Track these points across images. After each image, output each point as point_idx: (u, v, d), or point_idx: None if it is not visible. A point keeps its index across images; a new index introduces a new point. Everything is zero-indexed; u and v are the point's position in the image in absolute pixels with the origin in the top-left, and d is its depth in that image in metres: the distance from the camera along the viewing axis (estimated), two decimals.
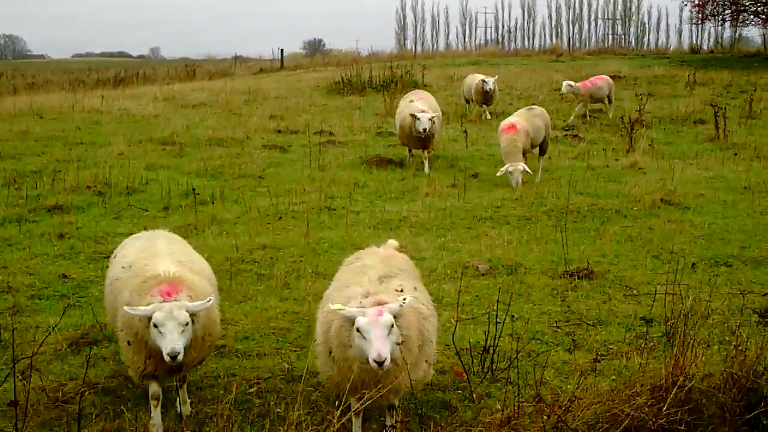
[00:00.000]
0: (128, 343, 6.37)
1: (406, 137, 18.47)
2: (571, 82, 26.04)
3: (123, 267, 6.86)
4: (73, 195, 14.85)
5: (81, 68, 56.21)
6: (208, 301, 6.28)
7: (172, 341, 5.95)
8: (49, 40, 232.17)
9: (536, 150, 17.32)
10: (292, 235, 12.55)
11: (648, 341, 8.20)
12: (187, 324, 6.08)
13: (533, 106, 18.35)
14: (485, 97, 26.10)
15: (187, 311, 6.10)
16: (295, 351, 8.35)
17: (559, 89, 32.20)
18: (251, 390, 7.41)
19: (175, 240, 7.52)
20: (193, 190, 14.42)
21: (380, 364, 5.51)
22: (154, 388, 6.55)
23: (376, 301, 5.86)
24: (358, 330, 5.65)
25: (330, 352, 6.08)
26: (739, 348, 6.73)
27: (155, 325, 6.00)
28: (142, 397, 7.21)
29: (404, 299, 5.88)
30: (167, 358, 5.94)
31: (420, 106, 18.36)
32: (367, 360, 5.59)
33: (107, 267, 7.61)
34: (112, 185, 15.52)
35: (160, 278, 6.39)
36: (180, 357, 5.94)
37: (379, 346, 5.53)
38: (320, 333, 6.30)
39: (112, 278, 6.99)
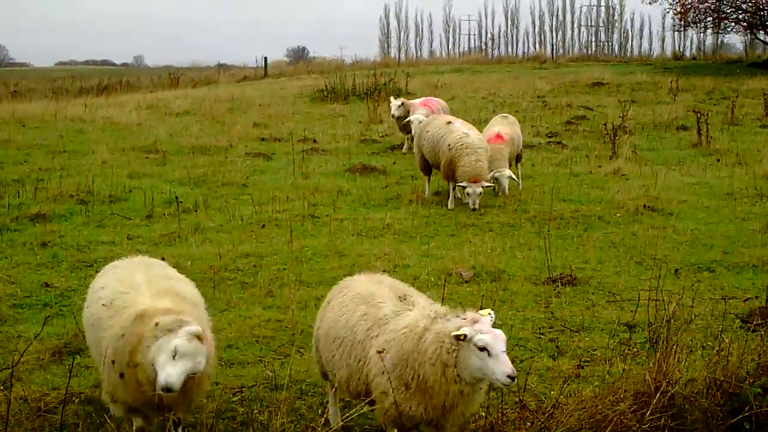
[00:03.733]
0: (120, 375, 6.04)
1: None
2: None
3: (104, 304, 6.44)
4: (56, 204, 14.78)
5: (64, 76, 55.97)
6: (196, 328, 5.81)
7: (165, 374, 5.52)
8: (31, 48, 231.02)
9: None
10: (275, 243, 12.53)
11: (631, 347, 8.21)
12: (175, 354, 5.64)
13: (507, 115, 18.43)
14: (400, 125, 21.37)
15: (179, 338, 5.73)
16: (278, 359, 8.32)
17: (543, 96, 32.42)
18: (234, 398, 7.38)
19: (154, 265, 7.11)
20: (177, 198, 14.40)
21: (513, 379, 5.28)
22: (139, 422, 6.36)
23: (474, 318, 5.48)
24: (482, 349, 5.27)
25: (415, 377, 5.56)
26: (722, 353, 6.75)
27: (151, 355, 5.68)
28: None
29: (490, 313, 5.61)
30: (159, 391, 5.56)
31: (463, 129, 15.24)
32: (481, 379, 5.39)
33: (87, 296, 7.01)
34: (95, 194, 15.46)
35: (149, 311, 6.02)
36: (175, 390, 5.52)
37: (509, 362, 5.26)
38: (395, 357, 5.67)
39: (94, 316, 6.53)
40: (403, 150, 21.45)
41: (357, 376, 5.98)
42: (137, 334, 5.89)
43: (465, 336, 5.32)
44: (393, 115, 21.12)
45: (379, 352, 5.76)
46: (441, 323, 5.55)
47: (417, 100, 21.87)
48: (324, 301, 6.77)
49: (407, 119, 19.54)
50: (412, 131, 18.80)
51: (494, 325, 5.50)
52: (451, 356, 5.39)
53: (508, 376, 5.20)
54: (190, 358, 5.60)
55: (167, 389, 5.49)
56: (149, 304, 6.15)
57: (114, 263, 7.15)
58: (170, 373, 5.52)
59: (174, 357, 5.56)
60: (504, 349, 5.28)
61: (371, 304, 6.12)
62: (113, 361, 6.05)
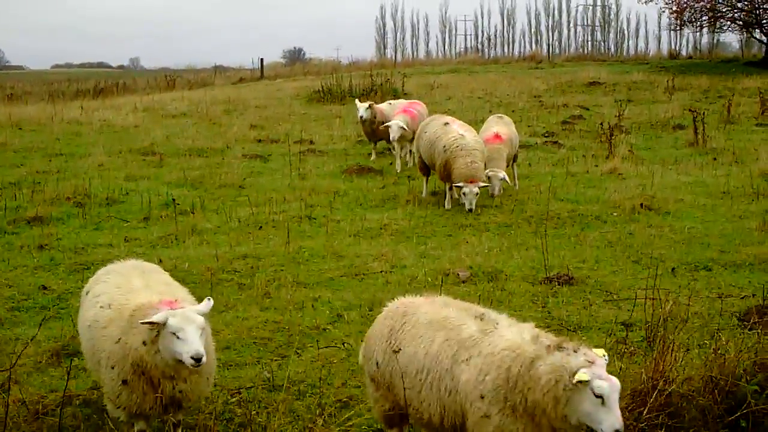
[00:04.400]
0: (123, 382, 6.00)
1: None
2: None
3: (101, 306, 6.41)
4: (53, 206, 14.78)
5: (60, 79, 55.96)
6: (209, 299, 6.11)
7: (194, 343, 5.68)
8: (27, 51, 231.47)
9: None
10: (272, 244, 12.53)
11: (628, 346, 8.21)
12: (203, 329, 5.84)
13: (502, 115, 18.43)
14: (367, 130, 20.82)
15: (198, 314, 5.89)
16: (276, 360, 8.32)
17: (539, 96, 32.44)
18: (233, 400, 7.38)
19: (149, 272, 7.04)
20: (174, 200, 14.40)
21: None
22: (141, 425, 6.33)
23: (589, 357, 5.08)
24: (598, 396, 4.90)
25: (523, 401, 5.17)
26: (719, 351, 6.76)
27: (173, 333, 5.72)
28: None
29: (604, 355, 5.20)
30: (190, 362, 5.65)
31: (459, 130, 15.18)
32: (586, 425, 5.02)
33: (81, 305, 7.01)
34: (92, 196, 15.46)
35: (141, 308, 6.09)
36: (204, 359, 5.68)
37: (620, 415, 4.91)
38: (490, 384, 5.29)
39: (90, 320, 6.47)
40: (372, 158, 20.75)
41: (452, 407, 5.52)
42: (135, 337, 5.93)
43: (585, 381, 4.96)
44: (361, 117, 20.22)
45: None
46: (558, 356, 5.12)
47: (385, 104, 21.49)
48: (375, 335, 6.13)
49: (386, 124, 19.02)
50: (392, 137, 18.58)
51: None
52: (565, 394, 5.01)
53: (616, 431, 4.87)
54: (196, 327, 5.77)
55: (199, 358, 5.63)
56: (143, 301, 6.19)
57: (107, 268, 7.09)
58: (193, 341, 5.69)
59: (179, 337, 5.71)
60: (617, 400, 4.94)
61: (450, 327, 5.67)
62: (112, 367, 6.04)
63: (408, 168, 18.84)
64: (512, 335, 5.43)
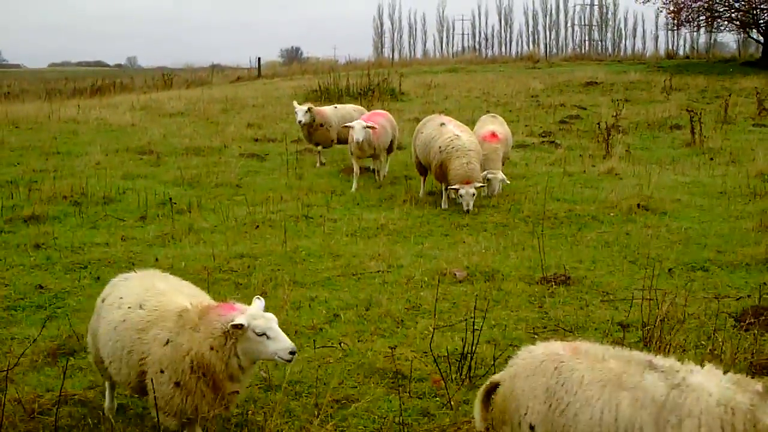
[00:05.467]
0: (176, 384, 5.90)
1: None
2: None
3: (130, 307, 6.29)
4: (50, 205, 14.76)
5: (57, 78, 55.87)
6: (260, 298, 6.15)
7: (286, 339, 5.81)
8: (24, 49, 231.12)
9: None
10: (269, 243, 12.52)
11: (625, 346, 8.21)
12: None
13: (495, 114, 18.44)
14: (306, 133, 20.00)
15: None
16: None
17: (536, 96, 32.43)
18: None
19: (168, 277, 6.90)
20: (170, 199, 14.40)
21: None
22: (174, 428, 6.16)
23: None
24: None
25: None
26: (715, 352, 6.79)
27: (261, 333, 5.78)
28: (119, 409, 7.18)
29: None
30: (288, 357, 5.77)
31: (455, 131, 15.13)
32: None
33: (97, 314, 6.82)
34: (89, 195, 15.45)
35: (191, 310, 6.05)
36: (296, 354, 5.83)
37: None
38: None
39: (115, 321, 6.33)
40: (317, 165, 19.84)
41: None
42: (199, 343, 5.88)
43: None
44: (300, 122, 19.23)
45: None
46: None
47: (330, 107, 20.52)
48: (523, 394, 5.28)
49: (347, 124, 17.43)
50: (355, 138, 16.58)
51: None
52: None
53: None
54: (276, 322, 5.89)
55: (295, 352, 5.76)
56: (187, 304, 6.15)
57: (123, 276, 6.94)
58: (284, 337, 5.81)
59: (269, 336, 5.79)
60: None
61: (631, 386, 4.90)
62: (162, 370, 5.94)
63: (406, 168, 18.78)
64: (713, 386, 4.78)
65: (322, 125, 19.45)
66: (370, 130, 16.69)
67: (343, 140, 19.24)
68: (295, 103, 20.19)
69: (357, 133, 16.55)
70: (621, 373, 4.98)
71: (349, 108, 21.05)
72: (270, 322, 5.82)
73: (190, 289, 6.67)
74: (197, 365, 5.85)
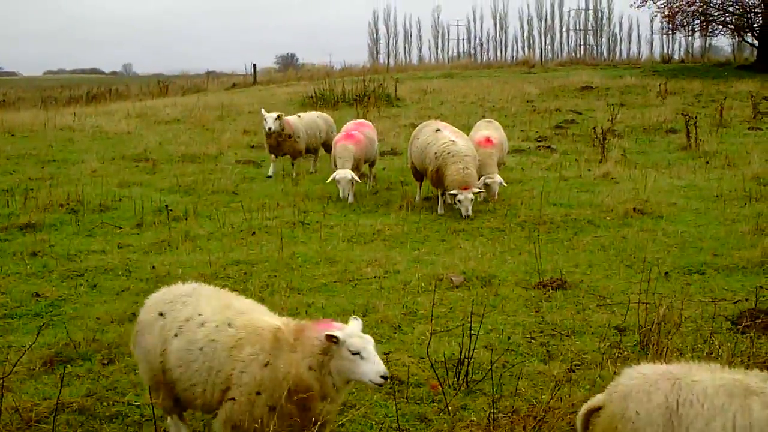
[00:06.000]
0: (271, 408, 5.66)
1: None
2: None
3: (217, 326, 5.98)
4: (46, 213, 14.74)
5: (53, 85, 55.87)
6: (357, 318, 5.95)
7: (380, 362, 5.61)
8: (19, 57, 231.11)
9: None
10: (265, 250, 12.52)
11: (622, 350, 8.23)
12: None
13: (491, 120, 18.46)
14: (273, 143, 19.05)
15: None
16: None
17: (532, 101, 32.47)
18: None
19: (227, 292, 6.60)
20: (167, 206, 14.38)
21: None
22: None
23: None
24: None
25: None
26: (712, 356, 6.79)
27: (354, 352, 5.57)
28: (116, 417, 7.17)
29: None
30: (379, 381, 5.57)
31: (451, 136, 15.12)
32: None
33: (160, 334, 6.25)
34: (85, 203, 15.43)
35: (284, 330, 5.84)
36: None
37: None
38: None
39: (201, 341, 5.99)
40: (270, 170, 19.06)
41: None
42: (298, 362, 5.68)
43: None
44: (269, 129, 18.29)
45: None
46: None
47: (294, 117, 19.76)
48: (638, 419, 4.93)
49: (335, 178, 16.14)
50: (342, 192, 16.04)
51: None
52: None
53: None
54: (373, 344, 5.69)
55: (387, 377, 5.58)
56: (279, 323, 5.96)
57: (178, 292, 6.46)
58: (377, 360, 5.62)
59: (363, 357, 5.60)
60: None
61: (755, 390, 4.73)
62: (259, 392, 5.70)
63: (403, 173, 18.76)
64: None
65: (290, 136, 18.88)
66: (353, 183, 16.10)
67: (312, 150, 19.62)
68: (263, 110, 19.69)
69: (343, 186, 16.05)
70: (743, 379, 4.85)
71: (313, 115, 20.67)
72: (366, 342, 5.64)
73: (260, 306, 6.44)
74: (294, 388, 5.63)
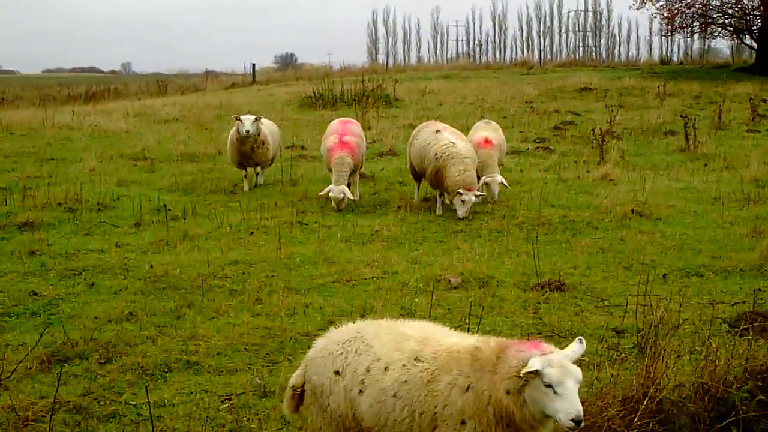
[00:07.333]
0: None
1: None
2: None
3: (404, 365, 5.34)
4: (44, 212, 14.74)
5: (51, 84, 55.91)
6: (581, 340, 5.27)
7: (575, 402, 4.79)
8: (19, 55, 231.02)
9: None
10: (264, 250, 12.51)
11: (619, 352, 8.21)
12: (580, 382, 4.95)
13: (489, 120, 18.44)
14: (247, 150, 17.60)
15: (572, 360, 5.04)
16: (267, 366, 8.29)
17: (531, 102, 32.48)
18: (223, 406, 7.34)
19: (391, 322, 5.91)
20: (165, 205, 14.38)
21: None
22: None
23: None
24: None
25: None
26: (710, 358, 6.77)
27: (548, 385, 4.83)
28: (113, 416, 7.16)
29: None
30: (570, 425, 4.76)
31: (451, 138, 14.95)
32: None
33: (332, 380, 5.66)
34: (83, 201, 15.43)
35: (484, 349, 5.18)
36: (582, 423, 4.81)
37: None
38: None
39: (393, 388, 5.35)
40: (245, 188, 17.58)
41: None
42: (496, 384, 5.02)
43: None
44: (247, 132, 16.88)
45: None
46: None
47: (266, 121, 18.62)
48: None
49: (327, 192, 15.37)
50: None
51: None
52: None
53: None
54: (576, 379, 4.95)
55: (580, 421, 4.79)
56: (475, 342, 5.36)
57: (343, 341, 5.75)
58: (574, 399, 4.85)
59: (557, 392, 4.88)
60: None
61: None
62: (463, 421, 5.13)
63: (401, 174, 18.75)
64: None
65: (264, 142, 17.70)
66: (345, 199, 15.43)
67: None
68: (241, 117, 17.61)
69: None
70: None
71: (269, 122, 19.30)
72: (565, 376, 4.87)
73: (430, 325, 5.87)
74: (498, 414, 5.05)
